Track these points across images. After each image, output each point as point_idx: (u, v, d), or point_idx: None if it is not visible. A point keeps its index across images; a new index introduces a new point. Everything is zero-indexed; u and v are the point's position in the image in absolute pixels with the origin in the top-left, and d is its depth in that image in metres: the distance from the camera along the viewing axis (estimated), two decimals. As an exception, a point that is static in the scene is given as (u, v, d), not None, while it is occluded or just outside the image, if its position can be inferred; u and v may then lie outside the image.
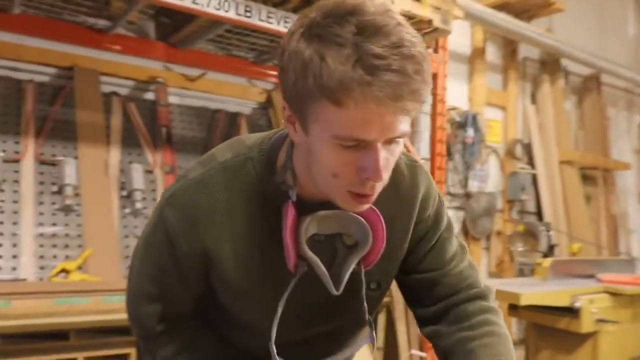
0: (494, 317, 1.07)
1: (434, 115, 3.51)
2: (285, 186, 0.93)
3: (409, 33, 0.78)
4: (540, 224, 4.89)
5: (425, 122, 4.20)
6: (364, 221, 0.95)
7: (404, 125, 0.80)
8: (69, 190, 2.89)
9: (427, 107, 4.01)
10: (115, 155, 3.13)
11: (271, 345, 0.96)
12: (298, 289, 0.97)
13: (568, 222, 5.40)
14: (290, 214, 0.91)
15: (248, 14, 2.67)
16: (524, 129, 5.60)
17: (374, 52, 0.73)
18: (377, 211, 0.95)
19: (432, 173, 3.48)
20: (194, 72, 3.58)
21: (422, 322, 1.13)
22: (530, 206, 5.48)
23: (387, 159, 0.83)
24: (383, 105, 0.75)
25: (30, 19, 3.00)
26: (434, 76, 3.46)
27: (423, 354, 3.01)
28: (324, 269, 0.94)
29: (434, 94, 3.48)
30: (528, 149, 5.51)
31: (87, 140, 3.04)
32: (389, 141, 0.81)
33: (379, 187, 0.87)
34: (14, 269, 2.69)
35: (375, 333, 1.10)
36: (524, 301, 2.99)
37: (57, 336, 2.46)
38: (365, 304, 1.00)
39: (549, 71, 5.63)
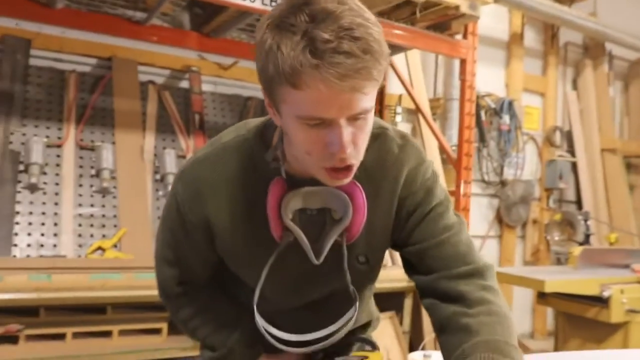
0: (490, 296, 1.04)
1: (462, 102, 3.49)
2: (276, 164, 1.02)
3: (361, 16, 0.83)
4: (579, 213, 4.77)
5: (456, 109, 4.18)
6: (345, 195, 1.01)
7: (364, 103, 0.85)
8: (106, 174, 3.08)
9: (457, 93, 3.99)
10: (150, 141, 3.29)
11: (254, 309, 1.05)
12: (287, 258, 1.05)
13: (609, 211, 5.25)
14: (275, 189, 1.00)
15: (274, 4, 2.74)
16: (564, 115, 5.46)
17: (322, 37, 0.80)
18: (359, 186, 1.01)
19: (460, 160, 3.47)
20: (227, 60, 3.70)
21: (421, 292, 1.13)
22: (570, 195, 5.36)
23: (354, 134, 0.88)
24: (331, 85, 0.80)
25: (72, 13, 3.19)
26: (463, 62, 3.44)
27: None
28: (305, 239, 1.02)
29: (463, 80, 3.46)
30: (568, 136, 5.38)
31: (124, 127, 3.21)
32: (353, 118, 0.87)
33: (353, 160, 0.92)
34: (54, 245, 2.89)
35: (360, 306, 1.15)
36: (548, 288, 2.97)
37: (95, 310, 2.63)
38: (348, 276, 1.05)
39: (592, 56, 5.46)
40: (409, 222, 1.09)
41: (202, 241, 1.08)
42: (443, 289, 1.06)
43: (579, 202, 5.34)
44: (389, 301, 3.35)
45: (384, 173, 1.07)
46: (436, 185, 1.10)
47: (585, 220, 4.48)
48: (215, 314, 1.20)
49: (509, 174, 4.94)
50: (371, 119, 0.91)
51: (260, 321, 1.06)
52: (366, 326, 1.34)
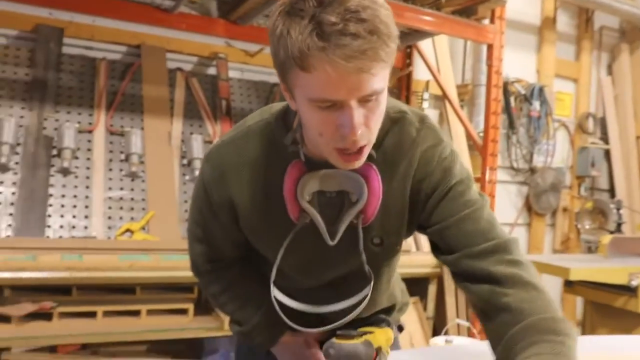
0: (520, 271, 1.00)
1: (488, 87, 3.45)
2: (295, 147, 1.05)
3: None
4: (611, 201, 4.67)
5: (484, 95, 4.13)
6: (361, 178, 1.03)
7: (374, 84, 0.85)
8: (135, 159, 3.16)
9: (484, 79, 3.94)
10: (177, 126, 3.37)
11: (271, 284, 1.09)
12: (305, 239, 1.08)
13: (644, 200, 5.12)
14: (292, 171, 1.03)
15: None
16: (597, 102, 5.32)
17: (329, 20, 0.81)
18: (375, 169, 1.03)
19: (485, 146, 3.44)
20: (253, 47, 3.73)
21: (452, 274, 1.11)
22: (602, 183, 5.24)
23: (366, 115, 0.89)
24: (338, 66, 0.82)
25: (102, 2, 3.27)
26: (490, 47, 3.39)
27: (467, 323, 3.05)
28: (321, 221, 1.04)
29: (489, 66, 3.41)
30: (601, 123, 5.25)
31: (152, 113, 3.29)
32: (364, 99, 0.88)
33: (364, 141, 0.93)
34: (85, 227, 3.00)
35: (378, 288, 1.16)
36: (573, 276, 2.93)
37: (124, 290, 2.72)
38: (363, 256, 1.07)
39: (629, 40, 5.29)
40: (429, 203, 1.07)
41: (227, 221, 1.13)
42: (468, 268, 1.03)
43: (611, 191, 5.21)
44: (413, 287, 3.33)
45: (401, 156, 1.07)
46: (454, 165, 1.08)
47: (618, 209, 4.37)
48: (241, 292, 1.25)
49: (538, 161, 4.86)
50: (384, 101, 0.92)
51: (276, 294, 1.09)
52: (390, 310, 1.35)
